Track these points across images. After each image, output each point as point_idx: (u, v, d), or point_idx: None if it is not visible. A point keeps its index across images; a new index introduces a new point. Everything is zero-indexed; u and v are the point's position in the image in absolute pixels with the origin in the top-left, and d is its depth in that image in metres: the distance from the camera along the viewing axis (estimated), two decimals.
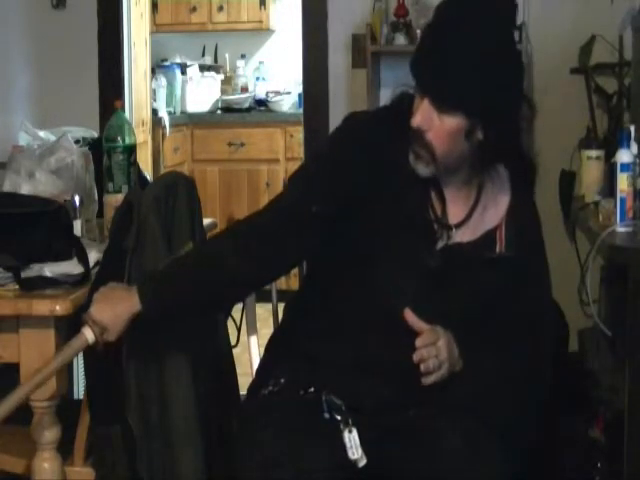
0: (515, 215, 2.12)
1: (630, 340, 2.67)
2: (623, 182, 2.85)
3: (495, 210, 2.11)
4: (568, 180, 4.03)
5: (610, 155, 3.16)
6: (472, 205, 2.09)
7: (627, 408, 2.69)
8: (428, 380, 2.01)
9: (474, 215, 2.09)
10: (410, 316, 2.01)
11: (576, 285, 3.67)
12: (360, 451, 2.01)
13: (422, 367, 2.00)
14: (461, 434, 2.02)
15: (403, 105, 2.04)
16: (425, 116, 1.98)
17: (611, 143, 3.45)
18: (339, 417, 2.03)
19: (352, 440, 2.01)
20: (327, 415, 2.04)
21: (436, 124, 1.97)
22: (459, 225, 2.08)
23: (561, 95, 4.36)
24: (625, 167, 2.87)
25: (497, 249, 2.10)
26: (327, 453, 1.99)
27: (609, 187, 3.17)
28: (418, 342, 2.00)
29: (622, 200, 2.85)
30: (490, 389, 2.10)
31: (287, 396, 2.09)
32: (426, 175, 2.03)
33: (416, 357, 1.99)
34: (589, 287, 3.22)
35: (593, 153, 3.45)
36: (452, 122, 1.96)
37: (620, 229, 2.84)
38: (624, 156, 2.88)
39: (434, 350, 2.00)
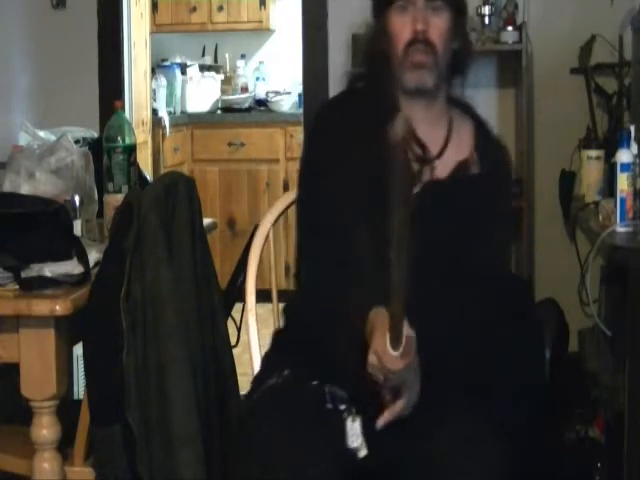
0: (482, 142, 2.21)
1: (630, 340, 2.67)
2: (623, 182, 2.85)
3: (464, 142, 2.20)
4: (568, 180, 4.04)
5: (610, 155, 3.16)
6: (445, 138, 2.18)
7: (627, 408, 2.69)
8: (397, 411, 1.96)
9: (448, 148, 2.17)
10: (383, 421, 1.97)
11: (576, 285, 3.68)
12: (360, 440, 2.01)
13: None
14: (463, 432, 2.02)
15: (359, 83, 2.20)
16: (421, 17, 2.11)
17: (611, 143, 3.45)
18: (342, 407, 2.03)
19: (353, 428, 2.01)
20: (330, 405, 2.04)
21: (433, 22, 2.12)
22: (438, 156, 2.15)
23: (561, 95, 4.37)
24: (625, 167, 2.87)
25: (473, 170, 2.18)
26: (329, 442, 1.99)
27: (609, 187, 3.17)
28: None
29: (622, 200, 2.85)
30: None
31: (290, 387, 2.09)
32: (429, 86, 2.13)
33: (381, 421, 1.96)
34: (589, 287, 3.22)
35: (593, 153, 3.45)
36: (444, 19, 2.12)
37: (620, 229, 2.84)
38: (624, 156, 2.88)
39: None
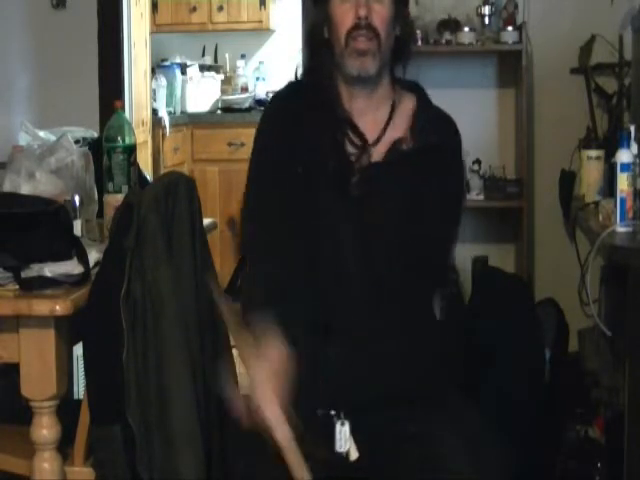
0: (420, 118, 2.21)
1: (630, 340, 2.67)
2: (623, 182, 2.85)
3: (403, 121, 2.20)
4: (568, 180, 4.04)
5: (610, 155, 3.16)
6: (385, 122, 2.20)
7: (627, 408, 2.69)
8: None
9: (387, 131, 2.19)
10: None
11: (576, 285, 3.68)
12: (349, 444, 2.03)
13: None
14: (462, 437, 2.01)
15: (310, 77, 2.26)
16: (363, 3, 2.13)
17: (611, 143, 3.45)
18: (332, 412, 2.05)
19: (342, 433, 2.03)
20: (320, 411, 2.06)
21: (375, 8, 2.14)
22: (375, 142, 2.18)
23: (561, 95, 4.37)
24: (625, 167, 2.87)
25: (405, 147, 2.18)
26: (319, 446, 1.99)
27: (609, 187, 3.17)
28: None
29: (622, 200, 2.85)
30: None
31: None
32: (371, 73, 2.15)
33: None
34: (589, 287, 3.22)
35: (593, 153, 3.45)
36: (385, 5, 2.15)
37: (620, 229, 2.84)
38: (624, 156, 2.88)
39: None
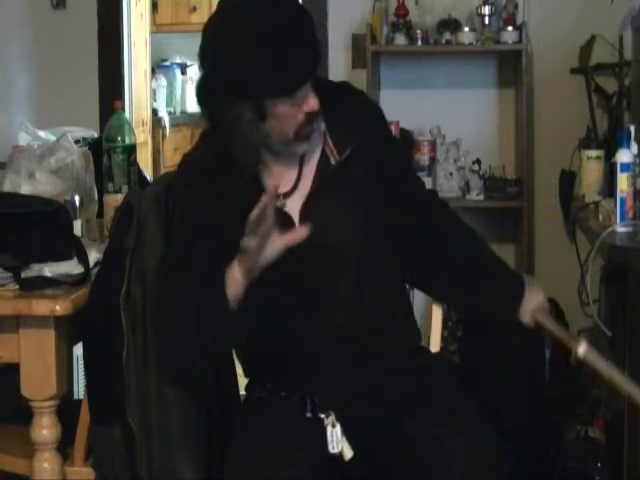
0: (335, 128, 2.11)
1: (630, 340, 2.68)
2: (623, 182, 2.86)
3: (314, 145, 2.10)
4: (568, 180, 4.04)
5: (610, 155, 3.16)
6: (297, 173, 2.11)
7: (627, 408, 2.70)
8: None
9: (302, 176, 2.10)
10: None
11: (576, 285, 3.68)
12: (341, 445, 2.03)
13: None
14: (464, 436, 2.01)
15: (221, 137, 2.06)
16: (312, 95, 2.03)
17: (611, 143, 3.46)
18: (322, 415, 2.06)
19: (334, 434, 2.04)
20: (310, 414, 2.08)
21: (312, 94, 2.03)
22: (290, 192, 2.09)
23: (561, 95, 4.37)
24: (625, 167, 2.87)
25: (333, 162, 2.09)
26: (309, 448, 2.02)
27: (609, 187, 3.18)
28: None
29: (622, 200, 2.85)
30: None
31: (272, 399, 2.13)
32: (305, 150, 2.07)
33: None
34: (589, 287, 3.22)
35: (593, 153, 3.45)
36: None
37: (620, 229, 2.84)
38: (624, 156, 2.89)
39: None
